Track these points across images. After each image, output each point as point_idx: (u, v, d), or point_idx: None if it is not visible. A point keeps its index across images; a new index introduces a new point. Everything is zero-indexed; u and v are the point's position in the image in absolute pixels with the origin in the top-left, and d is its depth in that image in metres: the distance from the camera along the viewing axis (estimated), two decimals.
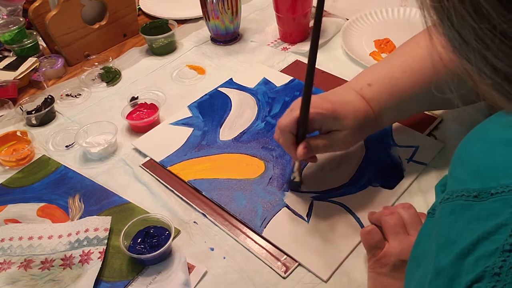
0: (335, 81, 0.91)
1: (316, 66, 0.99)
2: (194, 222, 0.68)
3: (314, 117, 0.61)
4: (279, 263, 0.62)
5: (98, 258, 0.64)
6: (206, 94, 0.92)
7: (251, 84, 0.93)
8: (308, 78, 0.59)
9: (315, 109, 0.61)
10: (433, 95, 0.45)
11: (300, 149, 0.62)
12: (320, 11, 0.54)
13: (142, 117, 0.87)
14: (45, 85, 1.00)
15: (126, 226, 0.65)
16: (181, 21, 1.17)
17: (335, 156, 0.75)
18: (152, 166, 0.78)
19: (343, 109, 0.62)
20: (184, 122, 0.86)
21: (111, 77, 1.00)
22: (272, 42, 1.06)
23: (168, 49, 1.07)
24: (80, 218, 0.71)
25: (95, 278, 0.61)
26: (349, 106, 0.63)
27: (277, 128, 0.64)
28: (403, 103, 0.66)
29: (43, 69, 1.01)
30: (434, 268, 0.35)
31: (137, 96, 0.93)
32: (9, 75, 0.97)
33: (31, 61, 1.01)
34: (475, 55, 0.27)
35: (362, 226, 0.65)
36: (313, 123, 0.62)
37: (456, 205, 0.36)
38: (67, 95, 0.97)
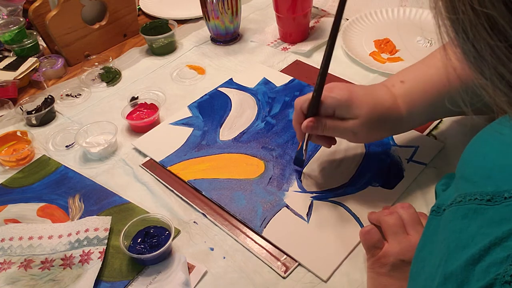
0: (335, 81, 0.91)
1: (316, 66, 0.99)
2: (194, 222, 0.68)
3: (327, 101, 0.61)
4: (279, 263, 0.62)
5: (98, 258, 0.64)
6: (206, 94, 0.92)
7: (251, 84, 0.93)
8: (325, 62, 0.60)
9: (330, 93, 0.61)
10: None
11: (306, 121, 0.63)
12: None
13: (142, 117, 0.87)
14: (45, 85, 1.00)
15: (126, 226, 0.65)
16: (181, 21, 1.17)
17: (335, 156, 0.75)
18: (152, 166, 0.78)
19: (359, 99, 0.61)
20: (184, 122, 0.86)
21: (111, 77, 1.00)
22: (272, 42, 1.07)
23: (168, 49, 1.07)
24: (80, 218, 0.71)
25: (95, 278, 0.61)
26: (369, 98, 0.62)
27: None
28: (437, 101, 0.63)
29: (43, 69, 1.02)
30: (442, 272, 0.35)
31: (137, 96, 0.93)
32: (9, 75, 0.97)
33: (31, 61, 1.01)
34: (490, 70, 0.27)
35: (361, 226, 0.65)
36: (326, 107, 0.62)
37: (469, 209, 0.36)
38: (67, 95, 0.97)
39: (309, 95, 0.63)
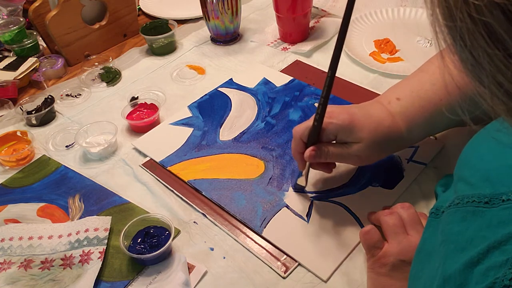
0: (336, 81, 0.90)
1: (316, 66, 0.99)
2: (194, 222, 0.68)
3: (328, 127, 0.60)
4: (279, 263, 0.62)
5: (98, 258, 0.64)
6: (206, 94, 0.92)
7: (251, 84, 0.93)
8: (326, 89, 0.58)
9: (330, 119, 0.60)
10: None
11: (308, 150, 0.61)
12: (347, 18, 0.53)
13: (142, 117, 0.87)
14: (45, 85, 1.00)
15: (126, 226, 0.65)
16: (181, 21, 1.17)
17: None
18: (152, 166, 0.78)
19: (361, 122, 0.60)
20: (184, 122, 0.86)
21: (111, 77, 1.00)
22: (272, 42, 1.07)
23: (168, 49, 1.07)
24: (80, 218, 0.71)
25: (95, 278, 0.62)
26: (370, 120, 0.61)
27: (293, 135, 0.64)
28: (435, 116, 0.63)
29: (43, 69, 1.02)
30: (441, 275, 0.35)
31: (137, 96, 0.93)
32: (9, 75, 0.97)
33: (31, 61, 1.01)
34: (488, 78, 0.26)
35: (361, 226, 0.65)
36: (328, 133, 0.61)
37: (467, 211, 0.36)
38: (67, 95, 0.97)
39: (307, 123, 0.62)
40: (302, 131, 0.62)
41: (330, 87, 0.58)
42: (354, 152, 0.61)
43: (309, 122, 0.61)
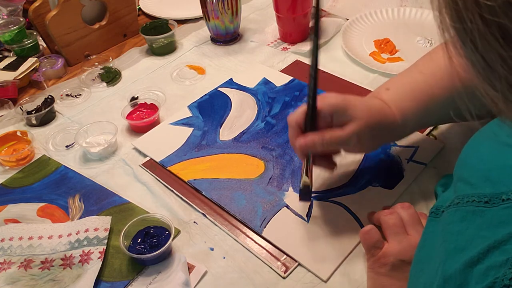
0: (336, 81, 0.91)
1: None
2: (194, 222, 0.68)
3: (323, 108, 0.59)
4: (278, 263, 0.62)
5: (98, 258, 0.64)
6: (206, 94, 0.92)
7: (251, 84, 0.93)
8: (313, 68, 0.58)
9: (323, 100, 0.59)
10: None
11: (303, 138, 0.58)
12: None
13: (142, 117, 0.87)
14: (45, 85, 1.00)
15: (126, 226, 0.65)
16: (181, 21, 1.17)
17: (335, 156, 0.75)
18: (152, 166, 0.78)
19: (353, 102, 0.59)
20: (184, 122, 0.86)
21: (111, 77, 1.00)
22: (272, 42, 1.07)
23: (168, 49, 1.07)
24: (80, 218, 0.71)
25: (95, 278, 0.61)
26: (362, 101, 0.60)
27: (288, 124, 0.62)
28: (428, 105, 0.62)
29: (43, 69, 1.02)
30: (442, 275, 0.35)
31: (137, 96, 0.93)
32: (9, 75, 0.97)
33: (31, 61, 1.01)
34: (501, 82, 0.25)
35: (361, 226, 0.64)
36: (323, 115, 0.59)
37: (467, 211, 0.36)
38: (67, 95, 0.97)
39: (302, 108, 0.61)
40: (297, 116, 0.60)
41: (316, 58, 0.60)
42: (352, 131, 0.58)
43: (303, 107, 0.60)
